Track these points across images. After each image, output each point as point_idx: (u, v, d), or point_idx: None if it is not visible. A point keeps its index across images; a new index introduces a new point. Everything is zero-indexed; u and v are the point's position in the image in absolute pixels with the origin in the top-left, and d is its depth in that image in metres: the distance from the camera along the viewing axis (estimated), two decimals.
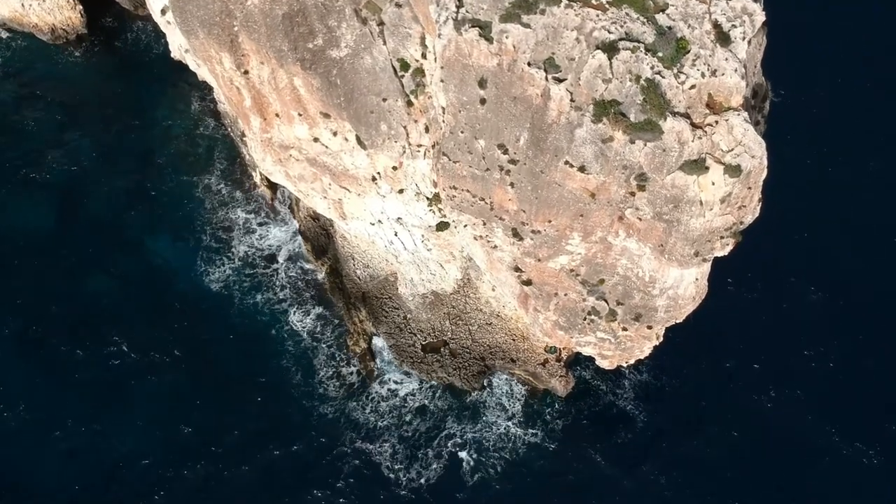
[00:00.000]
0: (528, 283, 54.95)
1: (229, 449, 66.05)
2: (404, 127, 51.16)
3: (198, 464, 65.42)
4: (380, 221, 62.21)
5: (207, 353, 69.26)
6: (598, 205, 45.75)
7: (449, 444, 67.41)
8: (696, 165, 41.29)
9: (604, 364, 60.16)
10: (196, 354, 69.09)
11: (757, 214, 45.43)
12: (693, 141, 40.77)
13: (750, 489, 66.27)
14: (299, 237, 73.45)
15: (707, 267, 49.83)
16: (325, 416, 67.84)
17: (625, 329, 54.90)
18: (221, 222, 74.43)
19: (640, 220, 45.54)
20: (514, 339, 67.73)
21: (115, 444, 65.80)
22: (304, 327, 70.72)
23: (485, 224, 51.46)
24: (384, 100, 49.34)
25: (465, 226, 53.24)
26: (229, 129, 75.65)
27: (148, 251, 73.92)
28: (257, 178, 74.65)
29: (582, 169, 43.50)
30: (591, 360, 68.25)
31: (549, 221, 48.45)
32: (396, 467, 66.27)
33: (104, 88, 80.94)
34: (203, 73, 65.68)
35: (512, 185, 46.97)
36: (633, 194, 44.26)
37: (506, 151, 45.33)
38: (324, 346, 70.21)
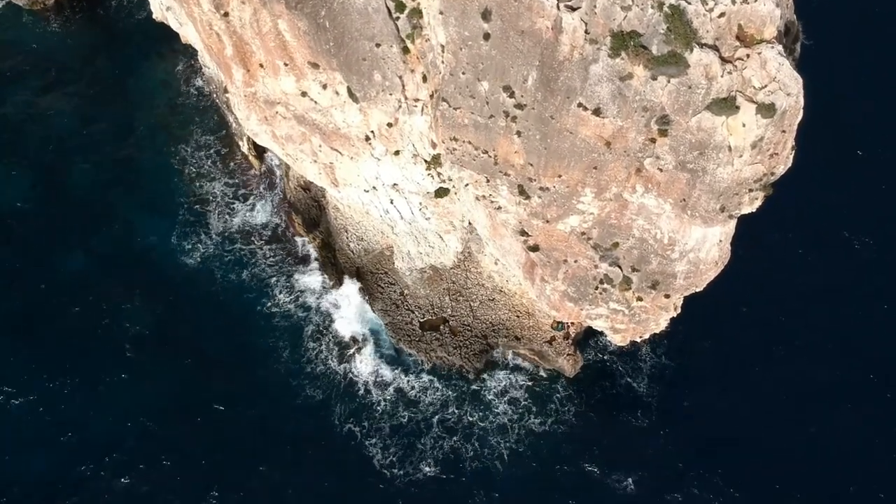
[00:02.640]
0: (534, 248, 50.66)
1: (212, 430, 62.10)
2: (400, 77, 46.81)
3: (178, 446, 61.37)
4: (374, 188, 57.95)
5: (189, 330, 65.31)
6: (614, 155, 41.46)
7: (446, 431, 63.15)
8: (726, 104, 37.08)
9: (616, 339, 55.95)
10: (177, 332, 65.17)
11: (790, 165, 41.32)
12: (722, 76, 36.55)
13: (778, 481, 61.93)
14: (289, 209, 69.02)
15: (732, 226, 45.66)
16: (313, 398, 63.66)
17: (640, 299, 50.68)
18: (206, 195, 70.27)
19: (661, 170, 41.28)
20: (518, 316, 63.50)
21: (91, 424, 61.97)
22: (291, 303, 66.32)
23: (488, 181, 47.12)
24: (378, 45, 44.95)
25: (467, 185, 48.94)
26: (215, 96, 71.33)
27: (129, 226, 69.94)
28: (245, 148, 70.34)
29: (597, 112, 39.19)
30: (602, 337, 64.53)
31: (559, 176, 44.16)
32: (389, 459, 61.85)
33: (84, 57, 76.67)
34: (186, 33, 61.47)
35: (518, 133, 42.62)
36: (653, 141, 40.03)
37: (512, 94, 40.98)
38: (313, 322, 65.84)
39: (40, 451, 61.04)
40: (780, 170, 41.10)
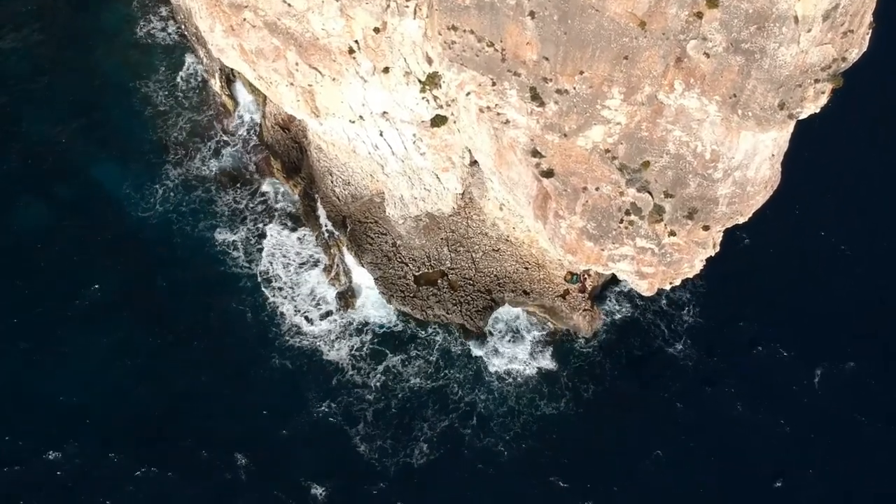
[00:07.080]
0: (548, 174, 43.08)
1: (179, 402, 55.12)
2: None
3: (146, 421, 54.31)
4: (361, 118, 50.47)
5: (154, 288, 58.32)
6: (651, 39, 33.93)
7: (442, 407, 55.79)
8: None
9: (642, 287, 48.44)
10: (142, 290, 58.17)
11: (864, 48, 33.94)
12: None
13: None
14: (266, 153, 61.39)
15: (788, 134, 38.25)
16: (288, 370, 56.46)
17: (672, 234, 43.22)
18: (173, 139, 62.92)
19: (708, 56, 33.72)
20: (526, 268, 56.07)
21: (50, 390, 55.08)
22: (268, 259, 58.79)
23: (494, 84, 39.49)
24: None
25: (468, 94, 41.31)
26: (183, 28, 63.69)
27: (90, 177, 62.88)
28: (217, 87, 62.82)
29: None
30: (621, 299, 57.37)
31: (581, 73, 36.61)
32: (379, 446, 54.30)
33: None
34: None
35: (532, 14, 34.97)
36: (699, 16, 32.57)
37: None
38: (295, 281, 58.32)
39: None
40: (854, 55, 33.67)
